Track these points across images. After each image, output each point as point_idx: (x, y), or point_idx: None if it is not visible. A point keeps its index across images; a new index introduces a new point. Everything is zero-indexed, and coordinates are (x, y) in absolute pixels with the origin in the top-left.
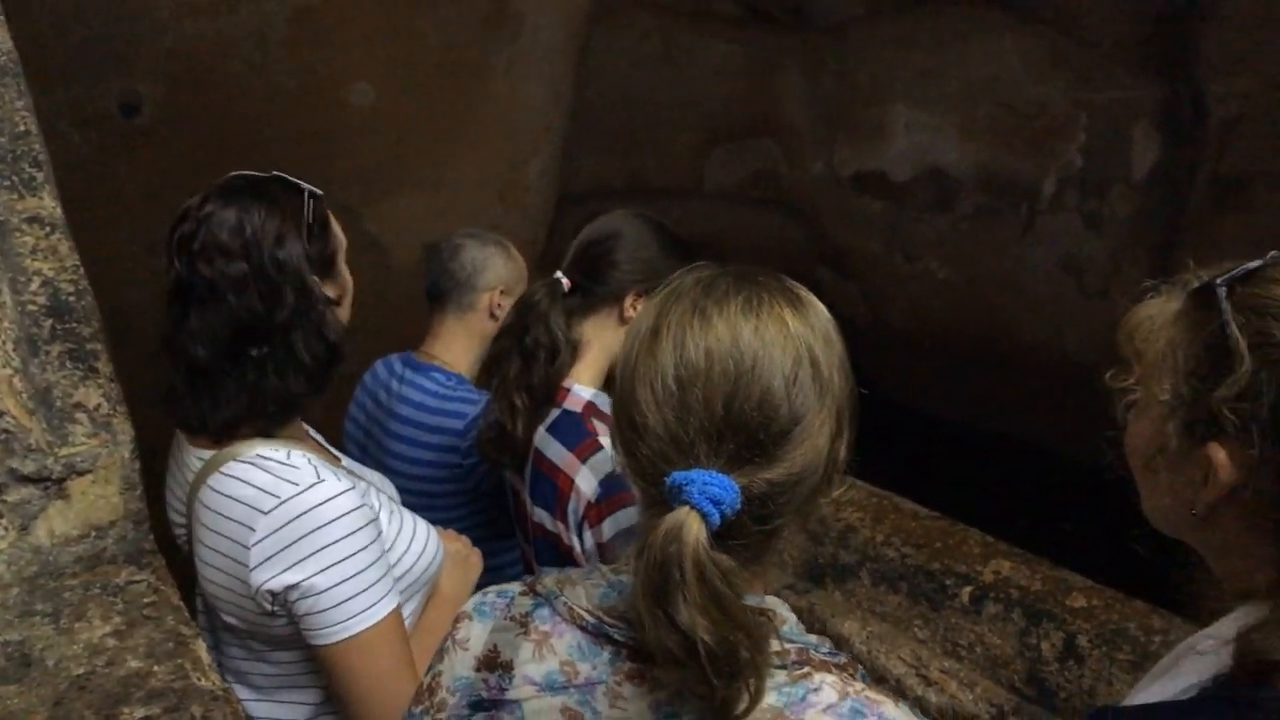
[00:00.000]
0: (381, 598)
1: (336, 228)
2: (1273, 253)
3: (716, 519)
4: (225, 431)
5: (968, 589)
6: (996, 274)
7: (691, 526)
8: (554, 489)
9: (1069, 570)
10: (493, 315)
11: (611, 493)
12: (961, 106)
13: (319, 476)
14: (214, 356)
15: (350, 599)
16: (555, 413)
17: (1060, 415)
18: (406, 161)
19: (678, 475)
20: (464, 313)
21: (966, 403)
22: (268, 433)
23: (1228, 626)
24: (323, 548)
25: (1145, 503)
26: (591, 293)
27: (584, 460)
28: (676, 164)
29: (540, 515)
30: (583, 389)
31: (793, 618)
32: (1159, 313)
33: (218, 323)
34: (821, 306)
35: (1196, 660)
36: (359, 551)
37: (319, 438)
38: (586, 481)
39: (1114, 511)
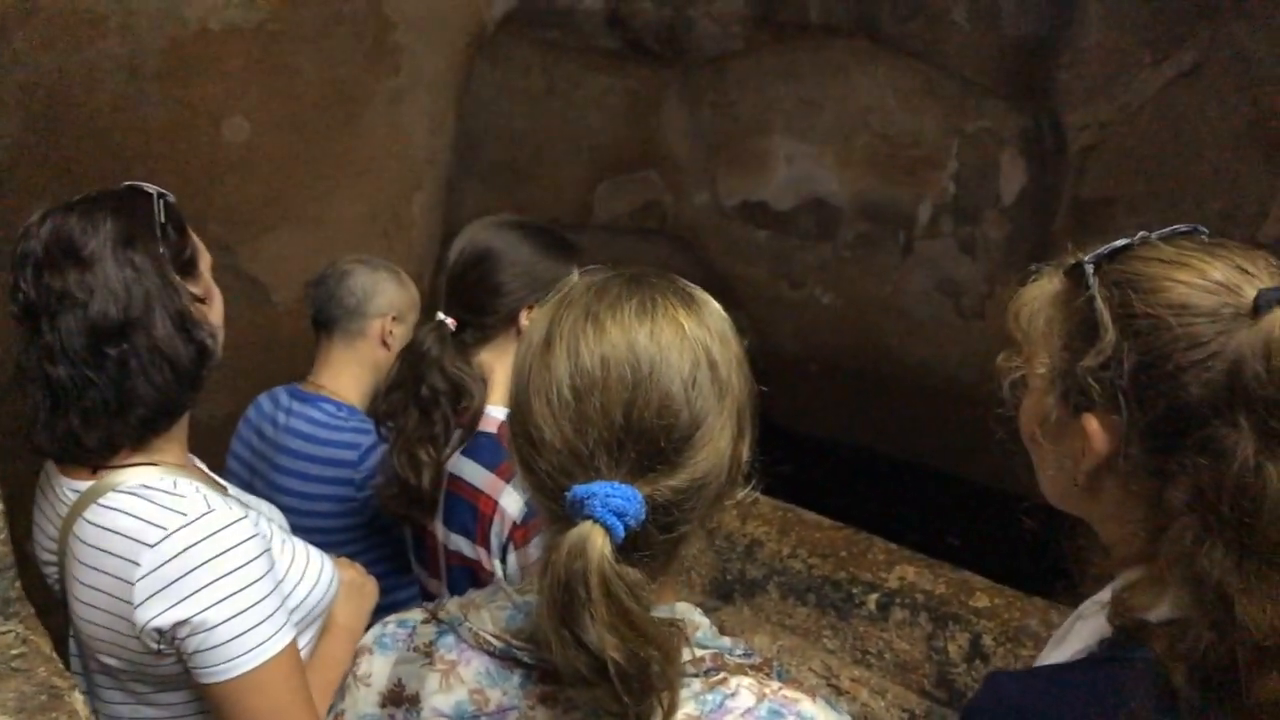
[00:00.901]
0: (277, 631)
1: (196, 237)
2: (1142, 233)
3: (621, 531)
4: (102, 451)
5: (874, 596)
6: (878, 298)
7: (595, 541)
8: (474, 513)
9: (970, 572)
10: (384, 343)
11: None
12: (840, 138)
13: (209, 506)
14: (74, 370)
15: (244, 634)
16: (474, 432)
17: (944, 434)
18: (286, 198)
19: (579, 489)
20: (353, 340)
21: (855, 425)
22: (147, 446)
23: (1109, 591)
24: (214, 581)
25: (1041, 482)
26: (481, 325)
27: (507, 479)
28: (563, 196)
29: (458, 542)
30: (496, 409)
31: (706, 622)
32: (1039, 293)
33: (72, 334)
34: (716, 305)
35: (1083, 625)
36: (253, 584)
37: (204, 467)
38: (511, 501)
39: (999, 525)
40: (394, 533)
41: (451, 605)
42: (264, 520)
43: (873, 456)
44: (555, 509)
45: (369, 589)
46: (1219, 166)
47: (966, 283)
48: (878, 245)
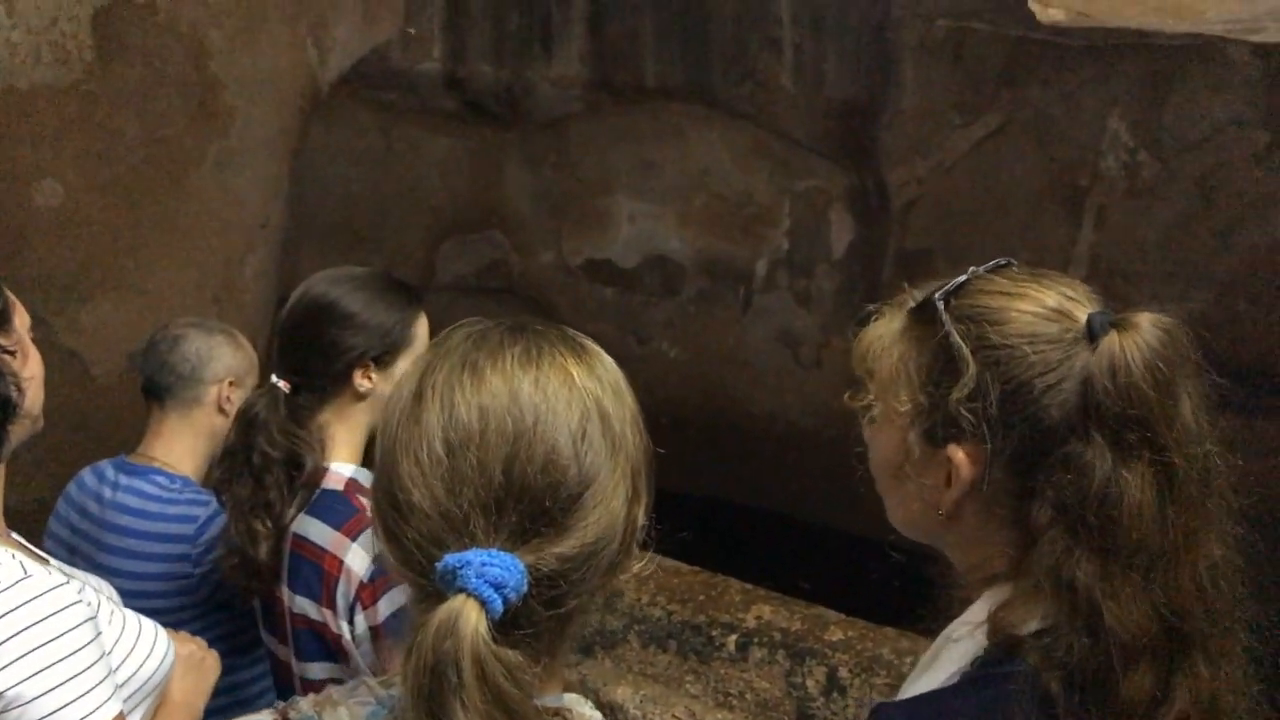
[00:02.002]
0: (101, 704)
1: (12, 295)
2: (972, 268)
3: (499, 605)
4: None
5: (733, 637)
6: (721, 351)
7: (469, 616)
8: (319, 573)
9: (823, 606)
10: (221, 409)
11: (386, 569)
12: (679, 197)
13: (25, 572)
14: None
15: (64, 707)
16: (314, 493)
17: (791, 480)
18: (106, 265)
19: (450, 558)
20: (188, 409)
21: (706, 476)
22: None
23: (977, 611)
24: (30, 651)
25: (893, 513)
26: (317, 389)
27: (353, 537)
28: (404, 258)
29: (303, 604)
30: (341, 466)
31: (598, 716)
32: (885, 332)
33: None
34: (608, 358)
35: (954, 648)
36: (73, 654)
37: (22, 540)
38: (357, 559)
39: (847, 567)
40: (235, 608)
41: (304, 704)
42: (89, 589)
43: (725, 506)
44: (424, 584)
45: (209, 663)
46: (1025, 218)
47: (803, 333)
48: (719, 300)
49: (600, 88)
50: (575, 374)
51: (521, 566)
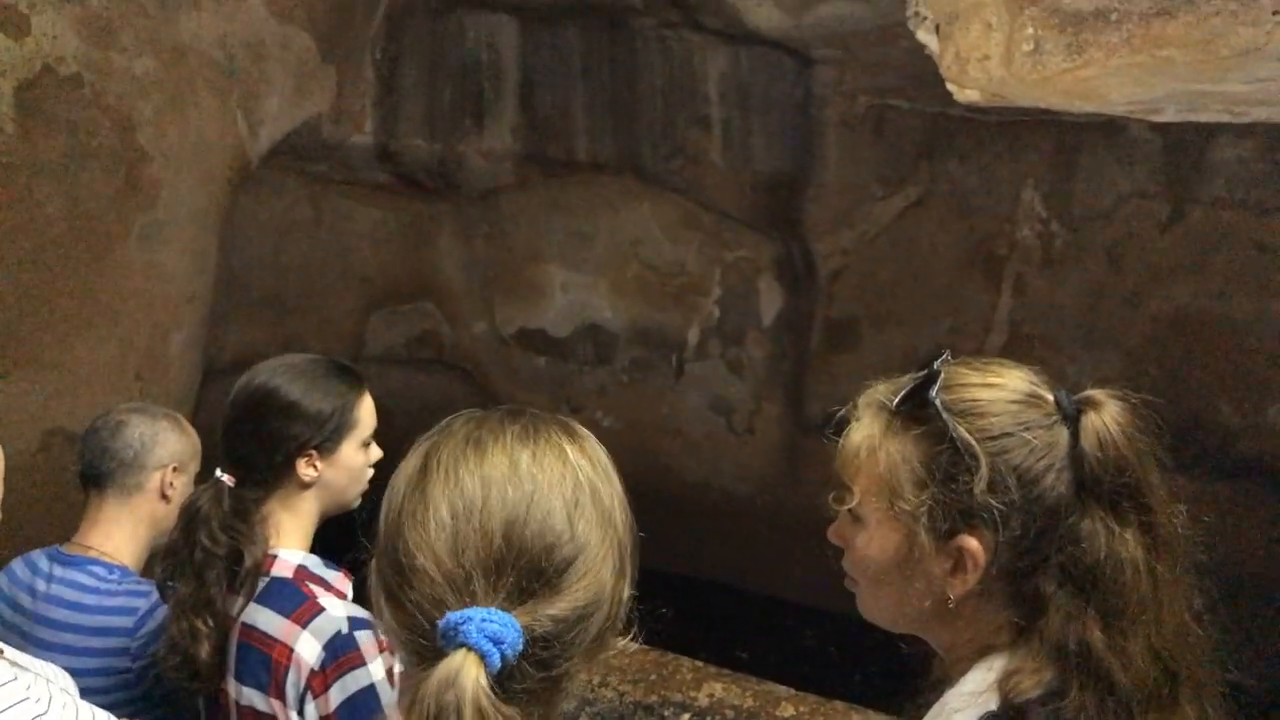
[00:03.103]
0: None
1: None
2: (936, 362)
3: (497, 660)
4: None
5: (685, 716)
6: (655, 420)
7: (470, 670)
8: (268, 663)
9: (773, 682)
10: (164, 496)
11: (338, 655)
12: (611, 267)
13: None
14: None
15: None
16: (263, 581)
17: (726, 547)
18: (24, 341)
19: (452, 615)
20: (129, 496)
21: (642, 546)
22: None
23: (975, 682)
24: None
25: (876, 609)
26: (262, 480)
27: (304, 625)
28: (334, 329)
29: (250, 695)
30: (290, 553)
31: None
32: (871, 434)
33: None
34: (597, 442)
35: (961, 717)
36: None
37: None
38: (308, 648)
39: (782, 635)
40: (176, 702)
41: None
42: (41, 681)
43: (661, 576)
44: (424, 645)
45: None
46: (947, 286)
47: (736, 400)
48: (652, 368)
49: (532, 161)
50: (569, 451)
51: (518, 625)
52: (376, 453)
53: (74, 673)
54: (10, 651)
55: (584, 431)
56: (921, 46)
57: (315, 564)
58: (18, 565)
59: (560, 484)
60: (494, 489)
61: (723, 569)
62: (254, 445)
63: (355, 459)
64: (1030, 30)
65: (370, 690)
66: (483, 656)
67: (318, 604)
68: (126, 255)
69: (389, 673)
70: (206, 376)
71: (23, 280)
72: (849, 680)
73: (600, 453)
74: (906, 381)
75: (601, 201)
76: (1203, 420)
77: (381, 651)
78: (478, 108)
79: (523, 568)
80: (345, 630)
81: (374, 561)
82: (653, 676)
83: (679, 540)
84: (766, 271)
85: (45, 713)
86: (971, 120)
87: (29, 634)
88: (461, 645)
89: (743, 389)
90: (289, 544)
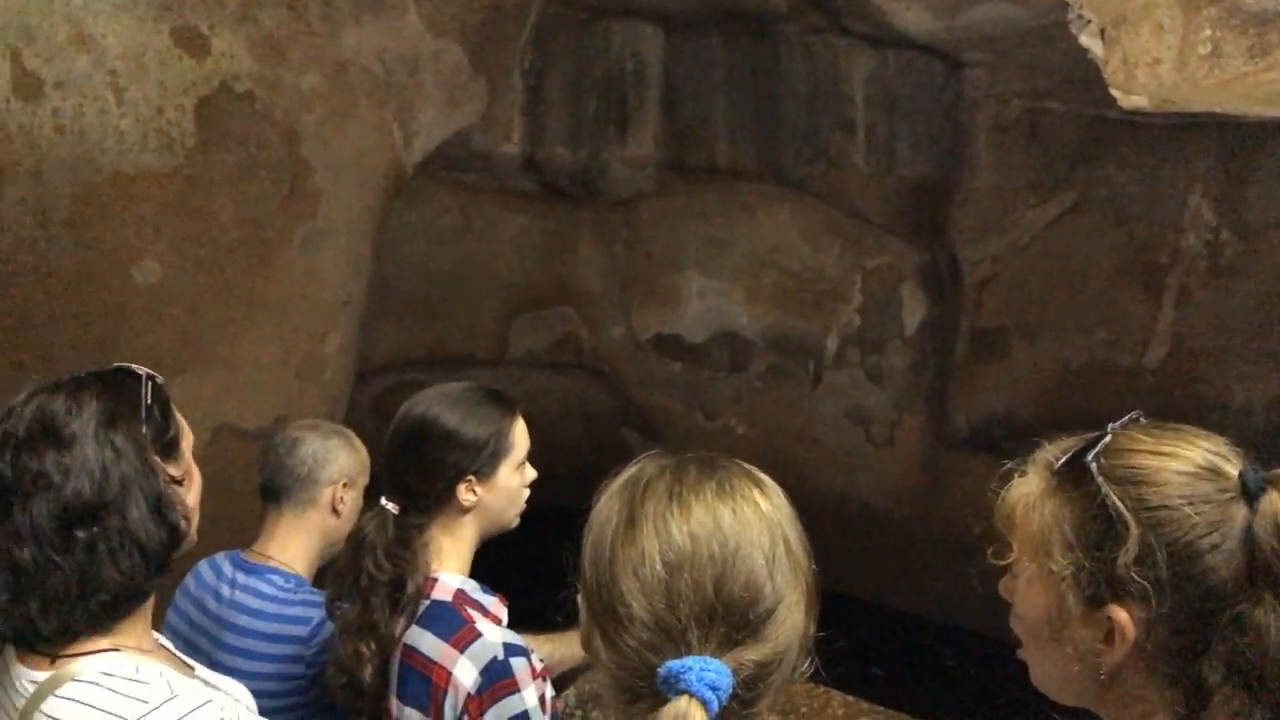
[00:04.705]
0: None
1: (180, 418)
2: (1111, 425)
3: (715, 706)
4: (59, 639)
5: None
6: (790, 428)
7: (695, 716)
8: (427, 685)
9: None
10: (335, 510)
11: (493, 681)
12: (748, 273)
13: (172, 692)
14: (39, 553)
15: None
16: (424, 604)
17: (861, 561)
18: (197, 341)
19: (673, 664)
20: (304, 510)
21: None
22: (108, 631)
23: None
24: None
25: (1042, 676)
26: (424, 507)
27: (462, 649)
28: (478, 333)
29: (410, 715)
30: (450, 577)
31: None
32: (1030, 491)
33: (43, 515)
34: (779, 489)
35: None
36: None
37: (169, 645)
38: (465, 672)
39: (918, 653)
40: (341, 708)
41: None
42: (230, 702)
43: None
44: (639, 685)
45: None
46: (1102, 296)
47: (875, 411)
48: (788, 376)
49: (672, 168)
50: (762, 505)
51: (729, 671)
52: (531, 474)
53: (252, 676)
54: (201, 670)
55: (768, 481)
56: (1081, 48)
57: (473, 588)
58: (204, 568)
59: (759, 539)
60: (701, 546)
61: (857, 582)
62: (415, 474)
63: (512, 481)
64: (1208, 32)
65: (524, 716)
66: (704, 703)
67: (475, 629)
68: (289, 261)
69: (541, 699)
70: (359, 377)
71: (198, 284)
72: (993, 703)
73: (784, 500)
74: (1075, 442)
75: (740, 207)
76: None
77: (535, 679)
78: (621, 116)
79: (733, 620)
80: (501, 656)
81: (583, 599)
82: (803, 709)
83: (812, 551)
84: (910, 279)
85: None
86: (1133, 124)
87: (216, 637)
88: (683, 692)
89: (883, 399)
90: (449, 567)
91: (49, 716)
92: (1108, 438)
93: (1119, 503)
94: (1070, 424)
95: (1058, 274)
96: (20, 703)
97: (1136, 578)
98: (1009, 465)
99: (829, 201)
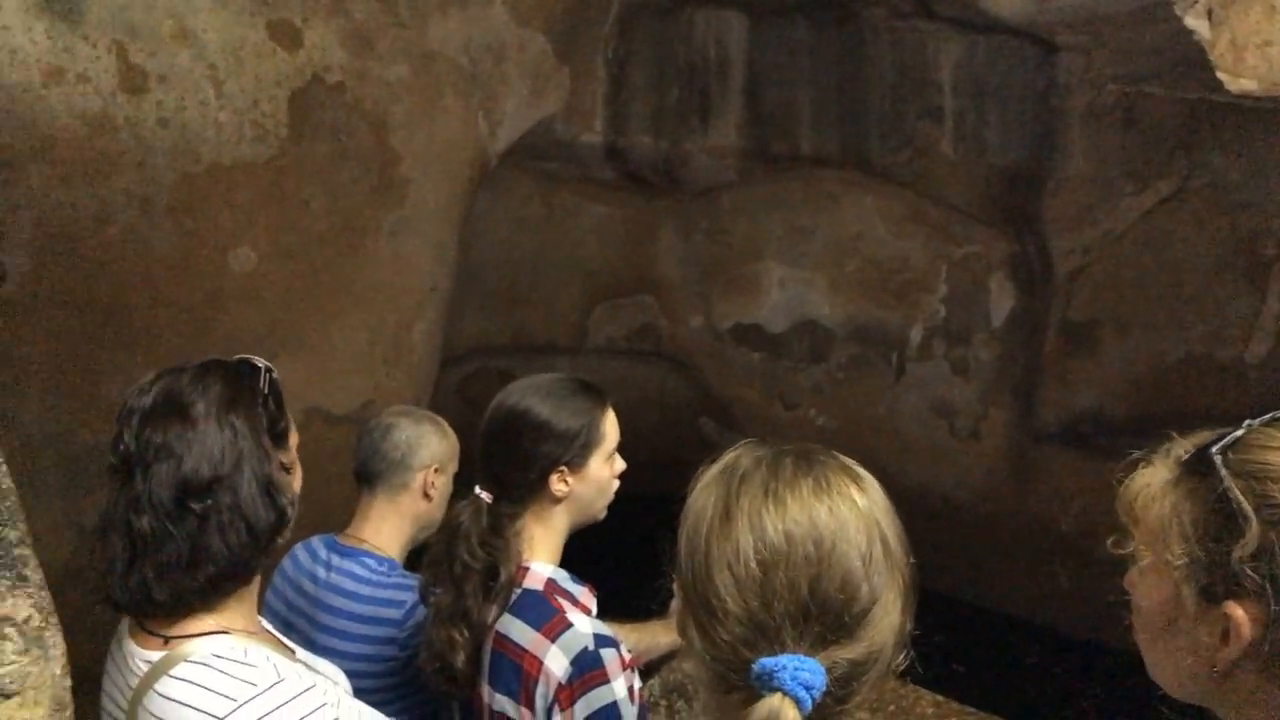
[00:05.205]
0: None
1: (290, 417)
2: (1248, 421)
3: (809, 704)
4: (171, 607)
5: None
6: (872, 419)
7: (788, 714)
8: (519, 672)
9: None
10: (426, 495)
11: (584, 672)
12: (830, 262)
13: (279, 675)
14: (156, 522)
15: None
16: (516, 592)
17: (942, 556)
18: (289, 326)
19: (766, 661)
20: (396, 494)
21: None
22: (216, 608)
23: None
24: None
25: (1157, 669)
26: (517, 497)
27: (553, 639)
28: (559, 321)
29: (502, 702)
30: (541, 566)
31: None
32: (1153, 481)
33: (162, 485)
34: (876, 482)
35: None
36: None
37: (271, 628)
38: (556, 661)
39: (1001, 650)
40: (431, 690)
41: None
42: (330, 685)
43: None
44: (732, 678)
45: None
46: (1202, 289)
47: (960, 404)
48: (870, 367)
49: (755, 156)
50: (860, 502)
51: (822, 669)
52: (620, 465)
53: (347, 657)
54: (301, 653)
55: (866, 475)
56: (1184, 30)
57: (564, 578)
58: (300, 551)
59: (856, 538)
60: (798, 545)
61: (938, 577)
62: (509, 464)
63: (602, 472)
64: None
65: (613, 707)
66: (797, 701)
67: (566, 619)
68: (378, 249)
69: (630, 690)
70: (444, 363)
71: (290, 271)
72: (1076, 704)
73: (882, 496)
74: (1208, 435)
75: (823, 196)
76: None
77: (624, 670)
78: (704, 105)
79: (827, 619)
80: (591, 647)
81: (678, 587)
82: (891, 707)
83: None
84: (998, 269)
85: (336, 718)
86: (1238, 108)
87: (312, 619)
88: (777, 690)
89: (968, 392)
90: (540, 557)
91: (162, 695)
92: (1240, 431)
93: (1240, 496)
94: (1164, 421)
95: (1154, 265)
96: (134, 681)
97: (1252, 573)
98: (1137, 454)
99: (915, 190)
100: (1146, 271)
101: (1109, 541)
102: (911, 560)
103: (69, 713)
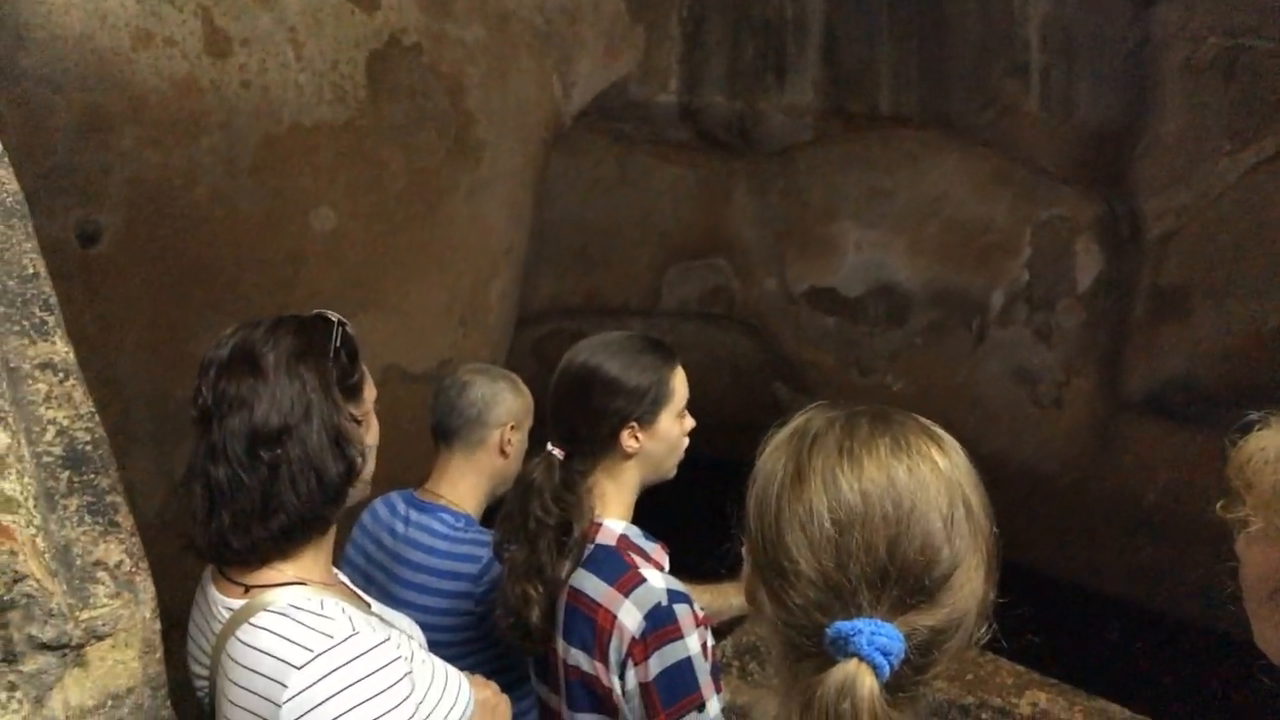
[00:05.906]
0: None
1: (366, 370)
2: None
3: (886, 671)
4: (247, 555)
5: None
6: (950, 386)
7: (864, 680)
8: (593, 627)
9: (1106, 700)
10: (502, 451)
11: (658, 626)
12: (910, 225)
13: (354, 628)
14: (230, 471)
15: None
16: (589, 548)
17: (1022, 526)
18: (368, 285)
19: (842, 625)
20: (473, 450)
21: None
22: (293, 558)
23: None
24: (358, 704)
25: (1263, 637)
26: (588, 453)
27: (626, 594)
28: (632, 282)
29: (576, 656)
30: (614, 523)
31: None
32: (1270, 445)
33: (235, 435)
34: (958, 444)
35: None
36: (394, 708)
37: (348, 581)
38: (630, 616)
39: (1078, 622)
40: (510, 644)
41: None
42: (405, 639)
43: None
44: (805, 644)
45: (503, 709)
46: None
47: (1043, 371)
48: (949, 332)
49: (832, 116)
50: (941, 464)
51: (901, 636)
52: (690, 422)
53: (425, 610)
54: (376, 606)
55: (948, 437)
56: None
57: (636, 534)
58: (379, 505)
59: (937, 499)
60: (875, 505)
61: (1017, 548)
62: (580, 420)
63: (672, 429)
64: None
65: (687, 663)
66: (874, 667)
67: (639, 574)
68: (455, 210)
69: (703, 646)
70: (519, 322)
71: (370, 231)
72: (1158, 683)
73: (964, 459)
74: None
75: (903, 156)
76: None
77: (697, 626)
78: (780, 63)
79: (906, 583)
80: (665, 602)
81: (747, 552)
82: (969, 676)
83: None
84: (1085, 232)
85: (410, 671)
86: None
87: (391, 572)
88: (853, 655)
89: (1051, 359)
90: (612, 513)
91: (244, 643)
92: None
93: None
94: (1259, 391)
95: (1253, 229)
96: (218, 627)
97: None
98: (1253, 416)
99: (999, 149)
100: (1245, 235)
101: (1218, 505)
102: (995, 529)
103: (158, 655)
